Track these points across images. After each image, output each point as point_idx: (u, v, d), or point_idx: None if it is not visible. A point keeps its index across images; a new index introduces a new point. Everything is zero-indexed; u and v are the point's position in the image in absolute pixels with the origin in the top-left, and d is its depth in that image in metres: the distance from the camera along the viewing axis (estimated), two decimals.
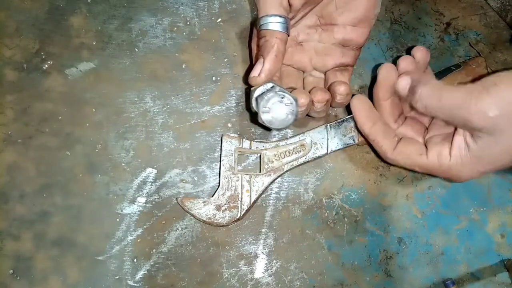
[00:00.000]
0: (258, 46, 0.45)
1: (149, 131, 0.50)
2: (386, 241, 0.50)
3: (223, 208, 0.47)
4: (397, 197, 0.51)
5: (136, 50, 0.52)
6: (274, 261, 0.48)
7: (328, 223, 0.49)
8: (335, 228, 0.49)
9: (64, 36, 0.52)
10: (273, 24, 0.42)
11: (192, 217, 0.48)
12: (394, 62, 0.46)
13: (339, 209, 0.50)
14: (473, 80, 0.50)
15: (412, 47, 0.46)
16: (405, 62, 0.45)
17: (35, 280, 0.46)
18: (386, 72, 0.45)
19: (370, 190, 0.51)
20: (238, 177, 0.48)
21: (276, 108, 0.42)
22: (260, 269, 0.48)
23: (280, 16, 0.42)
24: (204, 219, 0.47)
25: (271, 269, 0.48)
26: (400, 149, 0.44)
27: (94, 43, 0.52)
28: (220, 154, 0.49)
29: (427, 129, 0.47)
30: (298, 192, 0.50)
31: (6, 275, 0.46)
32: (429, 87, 0.40)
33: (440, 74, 0.51)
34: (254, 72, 0.43)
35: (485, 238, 0.51)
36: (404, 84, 0.43)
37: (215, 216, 0.47)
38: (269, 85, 0.43)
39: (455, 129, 0.42)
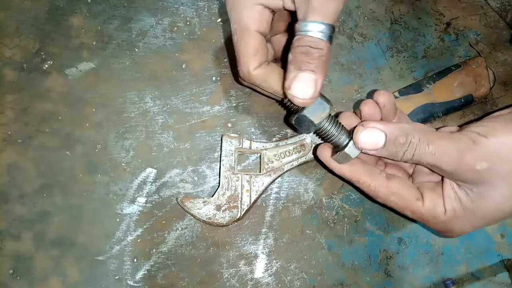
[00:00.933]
0: (282, 53, 0.39)
1: (149, 131, 0.50)
2: (386, 241, 0.50)
3: (223, 208, 0.47)
4: None
5: (136, 50, 0.52)
6: (274, 261, 0.48)
7: (328, 223, 0.49)
8: (335, 228, 0.49)
9: (64, 36, 0.52)
10: (317, 32, 0.33)
11: (192, 217, 0.48)
12: (369, 97, 0.42)
13: (339, 209, 0.50)
14: (474, 79, 0.50)
15: (374, 90, 0.41)
16: (367, 107, 0.39)
17: (35, 280, 0.46)
18: (346, 120, 0.40)
19: None
20: (238, 177, 0.48)
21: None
22: (260, 269, 0.48)
23: (324, 24, 0.33)
24: (204, 219, 0.47)
25: (271, 269, 0.48)
26: (393, 188, 0.39)
27: (94, 43, 0.52)
28: (220, 154, 0.49)
29: (411, 176, 0.43)
30: (298, 192, 0.50)
31: (6, 275, 0.46)
32: (417, 136, 0.35)
33: (441, 74, 0.52)
34: (309, 90, 0.34)
35: (485, 238, 0.51)
36: (378, 141, 0.36)
37: (215, 216, 0.47)
38: (326, 110, 0.37)
39: (442, 178, 0.39)
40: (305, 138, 0.49)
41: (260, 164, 0.49)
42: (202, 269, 0.47)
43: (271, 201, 0.49)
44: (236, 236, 0.48)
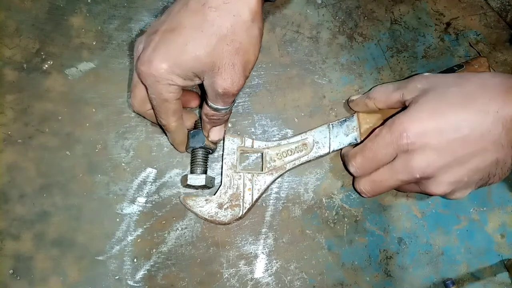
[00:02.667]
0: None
1: (149, 131, 0.50)
2: (386, 241, 0.50)
3: (225, 206, 0.47)
4: (397, 197, 0.51)
5: None
6: (274, 261, 0.48)
7: (328, 223, 0.49)
8: (335, 228, 0.49)
9: (64, 36, 0.52)
10: (221, 109, 0.44)
11: (192, 217, 0.48)
12: None
13: (339, 209, 0.50)
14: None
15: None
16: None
17: (35, 280, 0.46)
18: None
19: None
20: (240, 175, 0.48)
21: None
22: (260, 269, 0.48)
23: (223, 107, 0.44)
24: (206, 217, 0.47)
25: (271, 269, 0.48)
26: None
27: (94, 43, 0.52)
28: (222, 153, 0.49)
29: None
30: (298, 192, 0.50)
31: (6, 275, 0.46)
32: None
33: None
34: (220, 135, 0.48)
35: (485, 238, 0.51)
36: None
37: (217, 214, 0.47)
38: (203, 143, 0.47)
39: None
40: (307, 138, 0.49)
41: (262, 163, 0.49)
42: (202, 269, 0.47)
43: (271, 201, 0.49)
44: (236, 236, 0.48)
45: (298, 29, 0.55)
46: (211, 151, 0.49)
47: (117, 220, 0.48)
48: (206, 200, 0.47)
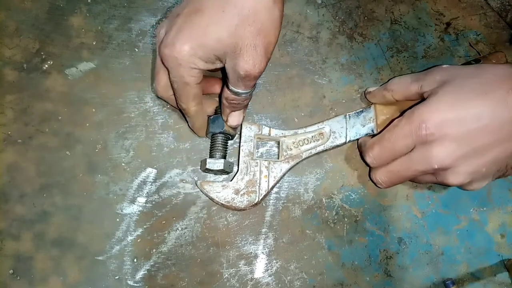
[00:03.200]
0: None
1: (149, 131, 0.50)
2: (386, 241, 0.50)
3: (241, 192, 0.47)
4: (397, 197, 0.51)
5: (136, 50, 0.52)
6: (274, 261, 0.48)
7: (328, 223, 0.49)
8: (335, 228, 0.49)
9: (64, 36, 0.52)
10: (242, 93, 0.44)
11: (192, 216, 0.48)
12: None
13: (339, 209, 0.50)
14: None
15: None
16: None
17: (35, 280, 0.46)
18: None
19: (370, 190, 0.51)
20: (257, 162, 0.48)
21: None
22: (260, 269, 0.48)
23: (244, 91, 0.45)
24: (223, 202, 0.47)
25: (271, 269, 0.48)
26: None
27: (94, 43, 0.52)
28: (240, 140, 0.49)
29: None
30: (298, 192, 0.50)
31: (6, 275, 0.46)
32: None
33: None
34: (239, 120, 0.48)
35: (485, 238, 0.51)
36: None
37: (234, 200, 0.47)
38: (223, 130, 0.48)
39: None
40: (324, 127, 0.50)
41: (279, 151, 0.49)
42: (202, 269, 0.47)
43: (271, 201, 0.49)
44: (236, 236, 0.48)
45: (298, 29, 0.55)
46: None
47: (117, 220, 0.48)
48: (223, 186, 0.47)
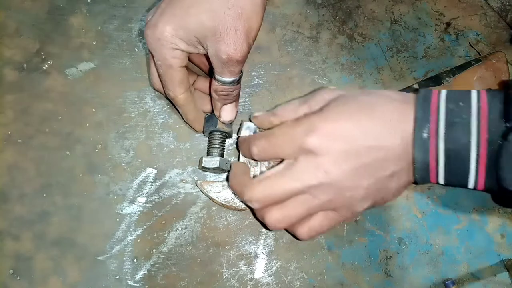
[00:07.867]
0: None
1: (149, 131, 0.50)
2: (386, 241, 0.50)
3: None
4: (397, 197, 0.51)
5: (136, 50, 0.52)
6: (274, 261, 0.48)
7: None
8: (335, 228, 0.49)
9: (64, 36, 0.52)
10: (229, 83, 0.44)
11: (192, 216, 0.48)
12: None
13: None
14: (494, 74, 0.53)
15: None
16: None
17: (35, 280, 0.46)
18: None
19: None
20: (257, 162, 0.48)
21: None
22: (260, 269, 0.48)
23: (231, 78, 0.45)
24: (223, 202, 0.47)
25: (271, 269, 0.48)
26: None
27: (94, 43, 0.52)
28: (237, 139, 0.49)
29: None
30: None
31: (6, 275, 0.46)
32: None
33: (460, 68, 0.52)
34: (232, 114, 0.48)
35: (485, 238, 0.51)
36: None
37: (234, 200, 0.47)
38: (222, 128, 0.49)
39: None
40: None
41: None
42: (202, 269, 0.47)
43: None
44: (236, 236, 0.48)
45: (298, 29, 0.55)
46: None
47: (117, 220, 0.48)
48: (223, 186, 0.47)
